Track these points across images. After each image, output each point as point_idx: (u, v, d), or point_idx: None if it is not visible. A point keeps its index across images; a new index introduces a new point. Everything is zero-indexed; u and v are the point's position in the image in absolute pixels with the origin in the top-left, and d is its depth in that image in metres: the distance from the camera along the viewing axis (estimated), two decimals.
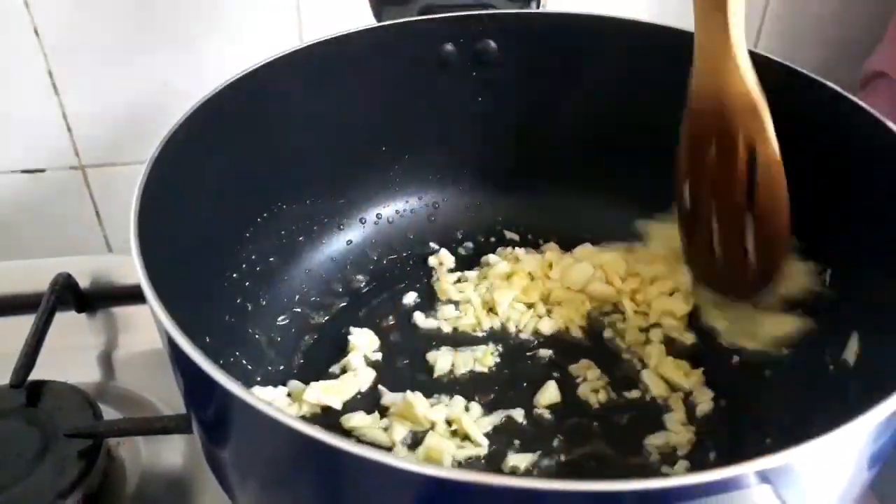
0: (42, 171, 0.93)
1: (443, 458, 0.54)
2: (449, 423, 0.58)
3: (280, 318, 0.64)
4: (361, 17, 0.70)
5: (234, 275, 0.61)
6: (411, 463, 0.33)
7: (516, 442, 0.57)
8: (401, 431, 0.57)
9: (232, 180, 0.59)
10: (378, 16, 0.68)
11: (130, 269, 0.43)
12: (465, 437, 0.57)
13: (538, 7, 0.70)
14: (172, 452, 0.61)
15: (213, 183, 0.57)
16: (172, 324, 0.39)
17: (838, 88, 0.57)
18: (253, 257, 0.62)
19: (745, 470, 0.33)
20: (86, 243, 0.98)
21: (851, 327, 0.55)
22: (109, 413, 0.62)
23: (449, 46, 0.66)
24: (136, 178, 0.91)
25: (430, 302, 0.68)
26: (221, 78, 0.85)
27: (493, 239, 0.73)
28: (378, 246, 0.71)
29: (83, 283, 0.72)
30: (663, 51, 0.64)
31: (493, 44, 0.67)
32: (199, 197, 0.56)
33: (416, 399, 0.57)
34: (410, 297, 0.68)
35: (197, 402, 0.44)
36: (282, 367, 0.62)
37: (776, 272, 0.60)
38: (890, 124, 0.52)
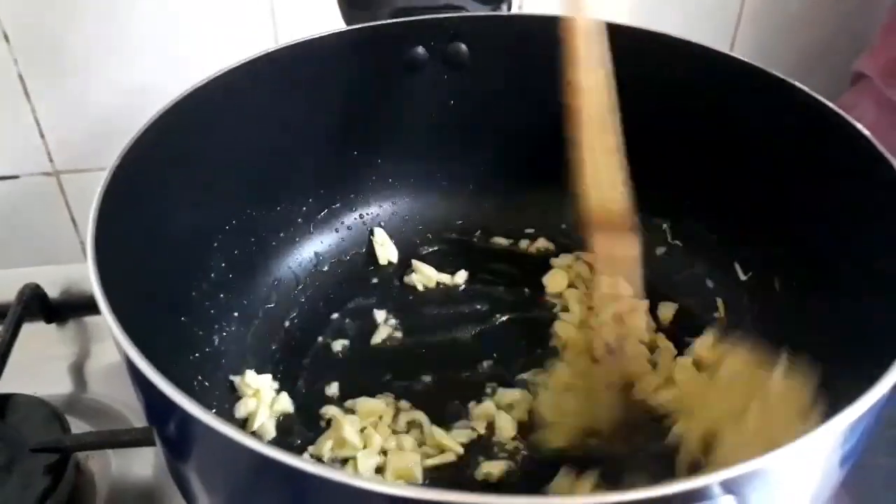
0: (16, 177, 0.92)
1: (413, 473, 0.54)
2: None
3: (251, 324, 0.64)
4: (336, 21, 0.69)
5: (203, 284, 0.60)
6: (375, 483, 0.33)
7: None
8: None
9: (198, 187, 0.59)
10: (348, 20, 0.67)
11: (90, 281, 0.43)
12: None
13: (509, 9, 0.69)
14: (143, 464, 0.60)
15: (178, 190, 0.56)
16: (127, 339, 0.39)
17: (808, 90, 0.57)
18: (223, 265, 0.62)
19: (710, 481, 0.33)
20: (61, 251, 0.97)
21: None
22: (80, 426, 0.61)
23: (420, 50, 0.66)
24: None
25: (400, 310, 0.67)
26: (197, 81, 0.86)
27: (469, 239, 0.73)
28: (349, 252, 0.71)
29: (53, 292, 0.71)
30: (637, 53, 0.63)
31: (464, 47, 0.66)
32: (165, 204, 0.55)
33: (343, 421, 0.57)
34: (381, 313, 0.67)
35: (157, 419, 0.43)
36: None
37: None
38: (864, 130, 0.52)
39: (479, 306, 0.67)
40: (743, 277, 0.65)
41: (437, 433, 0.56)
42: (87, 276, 0.72)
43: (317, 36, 0.62)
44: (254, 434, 0.57)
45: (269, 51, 0.60)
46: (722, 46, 0.62)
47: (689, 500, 0.33)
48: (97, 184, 0.91)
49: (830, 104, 0.55)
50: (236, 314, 0.62)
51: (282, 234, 0.67)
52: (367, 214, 0.72)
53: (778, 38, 0.96)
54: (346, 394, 0.60)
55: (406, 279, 0.69)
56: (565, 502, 0.33)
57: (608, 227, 0.55)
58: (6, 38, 0.82)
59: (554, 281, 0.68)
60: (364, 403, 0.59)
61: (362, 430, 0.56)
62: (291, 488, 0.37)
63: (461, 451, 0.56)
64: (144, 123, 0.53)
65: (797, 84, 0.58)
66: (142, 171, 0.51)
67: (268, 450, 0.34)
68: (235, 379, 0.59)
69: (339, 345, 0.64)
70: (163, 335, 0.54)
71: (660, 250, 0.70)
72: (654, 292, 0.65)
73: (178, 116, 0.55)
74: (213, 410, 0.57)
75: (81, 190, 0.94)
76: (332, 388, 0.61)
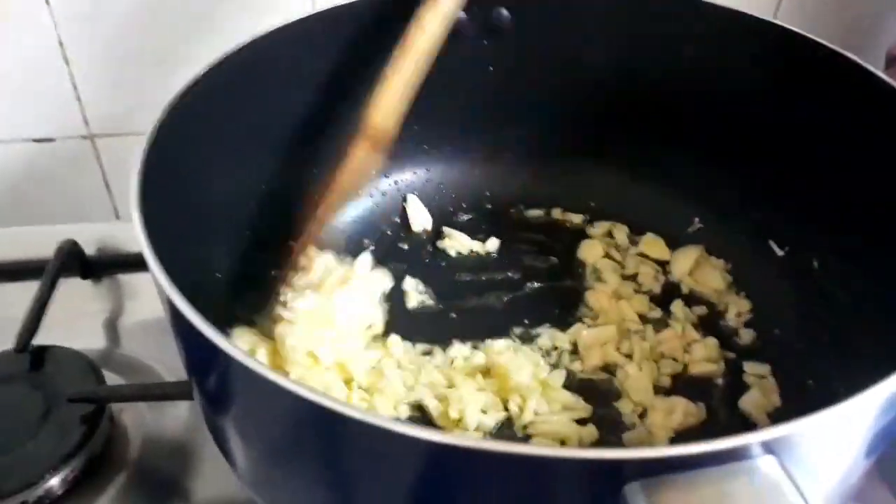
0: (52, 140, 0.92)
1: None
2: None
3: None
4: None
5: (241, 245, 0.60)
6: (415, 429, 0.33)
7: None
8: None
9: (234, 150, 0.59)
10: None
11: (135, 236, 0.43)
12: None
13: None
14: (175, 419, 0.61)
15: (215, 152, 0.57)
16: (174, 289, 0.39)
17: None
18: (257, 228, 0.62)
19: (750, 440, 0.33)
20: (95, 212, 0.98)
21: None
22: (113, 379, 0.62)
23: (461, 15, 0.65)
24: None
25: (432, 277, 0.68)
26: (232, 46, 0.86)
27: (503, 208, 0.73)
28: (383, 218, 0.71)
29: (89, 250, 0.72)
30: (688, 24, 0.63)
31: (505, 12, 0.66)
32: (202, 165, 0.55)
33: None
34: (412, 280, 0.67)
35: (198, 369, 0.44)
36: None
37: None
38: None
39: (510, 274, 0.67)
40: (780, 253, 0.65)
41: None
42: (121, 235, 0.74)
43: (352, 1, 0.62)
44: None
45: (304, 16, 0.60)
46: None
47: (730, 458, 0.33)
48: (131, 148, 0.92)
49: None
50: (271, 275, 0.63)
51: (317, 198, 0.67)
52: (401, 181, 0.72)
53: (823, 13, 0.94)
54: None
55: (439, 245, 0.69)
56: (608, 455, 0.33)
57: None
58: (48, 2, 0.83)
59: (589, 250, 0.68)
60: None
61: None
62: (333, 433, 0.37)
63: None
64: (183, 85, 0.53)
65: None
66: (181, 133, 0.52)
67: (311, 394, 0.34)
68: None
69: None
70: (198, 292, 0.54)
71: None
72: None
73: (215, 80, 0.55)
74: None
75: (115, 154, 0.94)
76: None
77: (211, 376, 0.42)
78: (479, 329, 0.62)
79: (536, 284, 0.66)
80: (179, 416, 0.61)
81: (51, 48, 0.85)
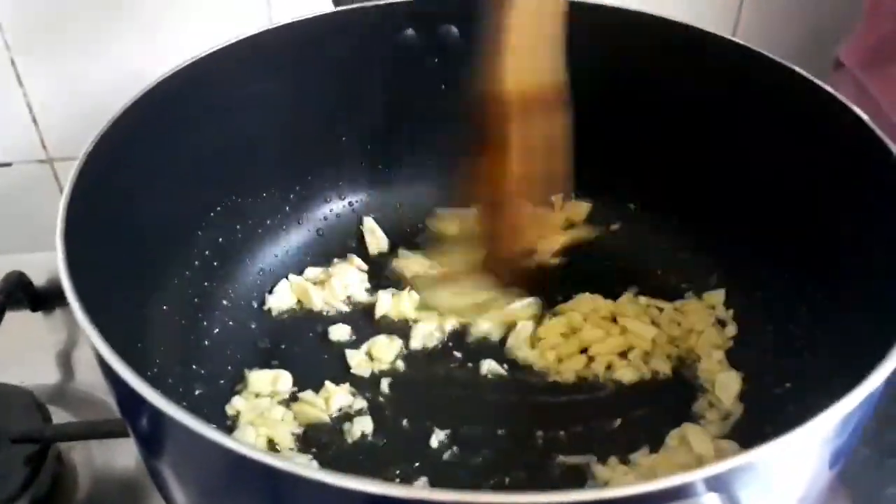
0: (9, 164, 0.91)
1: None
2: None
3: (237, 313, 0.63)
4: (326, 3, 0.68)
5: (187, 272, 0.59)
6: (347, 480, 0.32)
7: None
8: None
9: (181, 173, 0.58)
10: (336, 1, 0.65)
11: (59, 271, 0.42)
12: None
13: None
14: (125, 456, 0.59)
15: (159, 176, 0.56)
16: (94, 330, 0.38)
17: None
18: (206, 253, 0.61)
19: (693, 477, 0.32)
20: (52, 237, 0.97)
21: None
22: (64, 416, 0.61)
23: (409, 32, 0.64)
24: None
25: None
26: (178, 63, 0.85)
27: None
28: (337, 239, 0.70)
29: (39, 280, 0.71)
30: (630, 35, 0.63)
31: (454, 29, 0.65)
32: (144, 191, 0.54)
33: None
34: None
35: (128, 413, 0.43)
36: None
37: None
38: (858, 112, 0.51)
39: None
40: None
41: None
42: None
43: (303, 18, 0.61)
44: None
45: (255, 33, 0.59)
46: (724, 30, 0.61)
47: (671, 498, 0.32)
48: None
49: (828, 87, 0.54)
50: (224, 302, 0.62)
51: (268, 222, 0.66)
52: (357, 202, 0.71)
53: (781, 21, 0.94)
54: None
55: (395, 267, 0.68)
56: (545, 499, 0.31)
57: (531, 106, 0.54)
58: None
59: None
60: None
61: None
62: (264, 485, 0.36)
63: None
64: (120, 107, 0.52)
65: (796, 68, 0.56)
66: (118, 157, 0.51)
67: (238, 446, 0.33)
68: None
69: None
70: (141, 325, 0.53)
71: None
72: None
73: (158, 99, 0.54)
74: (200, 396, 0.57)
75: None
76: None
77: (140, 421, 0.40)
78: None
79: None
80: (129, 453, 0.59)
81: (3, 67, 0.84)
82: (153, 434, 0.40)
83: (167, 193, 0.56)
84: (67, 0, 0.81)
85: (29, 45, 0.83)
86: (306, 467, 0.32)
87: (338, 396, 0.57)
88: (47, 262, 0.72)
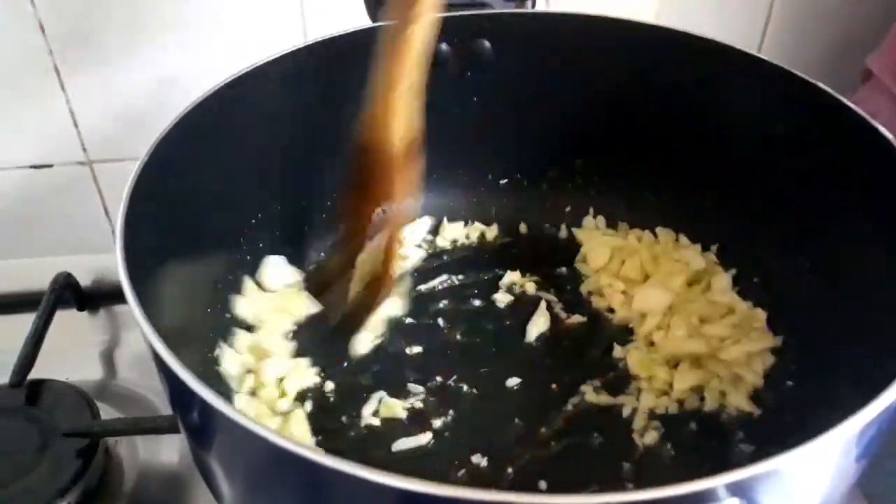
0: (49, 166, 0.94)
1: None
2: None
3: None
4: (362, 18, 0.70)
5: (229, 277, 0.61)
6: (387, 477, 0.33)
7: None
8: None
9: (225, 181, 0.60)
10: (373, 16, 0.67)
11: (119, 275, 0.44)
12: None
13: (533, 7, 0.69)
14: (170, 450, 0.62)
15: (205, 185, 0.58)
16: (154, 333, 0.40)
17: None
18: (248, 258, 0.63)
19: (714, 483, 0.33)
20: (93, 237, 0.99)
21: None
22: (109, 412, 0.63)
23: (443, 46, 0.66)
24: None
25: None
26: (228, 73, 0.87)
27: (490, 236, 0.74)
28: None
29: (85, 281, 0.73)
30: (657, 50, 0.64)
31: (487, 44, 0.67)
32: (193, 199, 0.57)
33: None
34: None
35: (181, 408, 0.45)
36: None
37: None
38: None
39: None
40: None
41: None
42: (117, 266, 0.75)
43: (341, 33, 0.63)
44: None
45: (294, 48, 0.62)
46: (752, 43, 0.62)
47: (693, 503, 0.34)
48: (128, 173, 0.94)
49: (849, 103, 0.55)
50: None
51: (306, 228, 0.69)
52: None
53: (809, 32, 0.95)
54: None
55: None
56: (570, 501, 0.33)
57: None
58: (42, 28, 0.84)
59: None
60: None
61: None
62: (308, 479, 0.38)
63: None
64: (172, 119, 0.55)
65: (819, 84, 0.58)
66: (170, 167, 0.53)
67: (285, 442, 0.35)
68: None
69: None
70: (189, 325, 0.56)
71: None
72: None
73: (204, 112, 0.57)
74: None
75: (113, 179, 0.96)
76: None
77: (191, 415, 0.43)
78: None
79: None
80: (173, 447, 0.62)
81: (46, 75, 0.87)
82: (203, 427, 0.42)
83: (210, 202, 0.59)
84: (108, 10, 0.84)
85: (71, 52, 0.86)
86: (349, 463, 0.34)
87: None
88: (90, 263, 0.76)
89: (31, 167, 0.94)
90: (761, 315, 0.64)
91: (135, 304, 0.42)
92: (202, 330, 0.59)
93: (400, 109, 0.55)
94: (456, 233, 0.74)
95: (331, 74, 0.64)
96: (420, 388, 0.61)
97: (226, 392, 0.59)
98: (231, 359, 0.60)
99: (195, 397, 0.38)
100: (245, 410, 0.58)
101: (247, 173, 0.62)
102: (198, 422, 0.42)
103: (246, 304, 0.64)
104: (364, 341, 0.64)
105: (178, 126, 0.55)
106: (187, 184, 0.56)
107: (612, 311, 0.67)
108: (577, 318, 0.66)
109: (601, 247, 0.70)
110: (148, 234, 0.49)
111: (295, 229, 0.68)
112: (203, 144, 0.57)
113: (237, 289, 0.64)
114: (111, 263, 0.74)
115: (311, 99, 0.64)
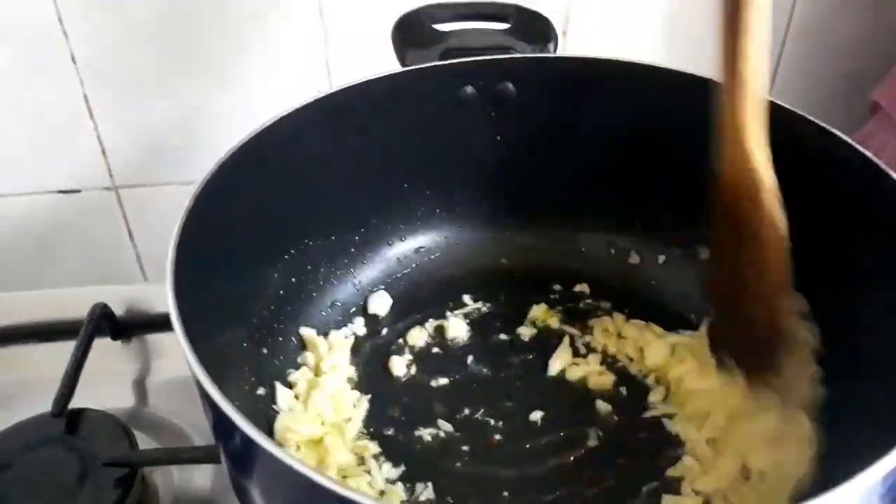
0: (77, 191, 0.97)
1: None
2: None
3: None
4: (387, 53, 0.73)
5: (264, 311, 0.64)
6: None
7: None
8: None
9: (262, 219, 0.62)
10: (402, 59, 0.70)
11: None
12: None
13: (555, 51, 0.72)
14: (202, 478, 0.64)
15: (243, 222, 0.60)
16: (200, 366, 0.43)
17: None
18: (281, 292, 0.66)
19: None
20: (118, 261, 1.02)
21: None
22: (142, 438, 0.65)
23: (469, 89, 0.69)
24: (167, 199, 0.96)
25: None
26: (251, 103, 0.89)
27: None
28: (400, 280, 0.74)
29: (118, 311, 0.75)
30: (678, 94, 0.66)
31: (511, 86, 0.69)
32: (231, 236, 0.59)
33: None
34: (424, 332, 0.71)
35: (223, 437, 0.47)
36: None
37: (774, 354, 0.59)
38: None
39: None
40: None
41: None
42: (147, 296, 0.77)
43: (371, 78, 0.66)
44: None
45: (329, 92, 0.64)
46: None
47: None
48: (153, 198, 0.97)
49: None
50: (293, 340, 0.67)
51: (332, 267, 0.71)
52: (413, 245, 0.75)
53: (820, 72, 0.97)
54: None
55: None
56: None
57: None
58: (73, 59, 0.87)
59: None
60: None
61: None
62: None
63: None
64: (218, 161, 0.57)
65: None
66: (212, 208, 0.55)
67: (321, 479, 0.37)
68: None
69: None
70: (229, 356, 0.58)
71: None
72: None
73: (242, 156, 0.59)
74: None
75: (138, 204, 0.99)
76: None
77: (235, 447, 0.45)
78: None
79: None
80: (206, 475, 0.64)
81: (76, 103, 0.90)
82: (243, 456, 0.44)
83: (246, 238, 0.61)
84: (137, 40, 0.87)
85: (100, 80, 0.89)
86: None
87: None
88: (123, 294, 0.78)
89: (59, 192, 0.96)
90: None
91: (182, 336, 0.44)
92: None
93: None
94: None
95: (358, 119, 0.67)
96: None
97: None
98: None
99: (238, 431, 0.41)
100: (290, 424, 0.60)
101: (280, 211, 0.64)
102: (239, 452, 0.44)
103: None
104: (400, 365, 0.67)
105: (225, 164, 0.57)
106: (227, 222, 0.58)
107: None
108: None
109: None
110: (192, 266, 0.50)
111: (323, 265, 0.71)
112: (242, 184, 0.59)
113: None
114: (142, 294, 0.78)
115: (347, 141, 0.67)
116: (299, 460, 0.38)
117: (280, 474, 0.41)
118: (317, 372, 0.65)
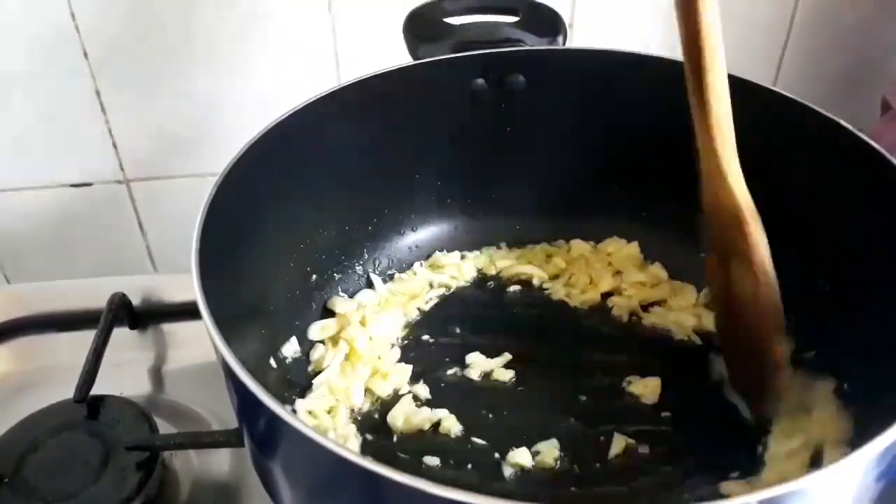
0: (89, 184, 0.98)
1: None
2: None
3: None
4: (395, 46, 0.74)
5: (282, 300, 0.66)
6: (451, 491, 0.36)
7: None
8: None
9: (278, 209, 0.64)
10: (414, 53, 0.71)
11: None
12: None
13: (564, 43, 0.73)
14: (221, 463, 0.65)
15: (257, 217, 0.62)
16: (228, 350, 0.43)
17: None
18: (297, 280, 0.67)
19: (748, 500, 0.36)
20: (128, 252, 1.03)
21: None
22: (161, 424, 0.66)
23: (479, 81, 0.70)
24: (177, 191, 0.96)
25: None
26: (260, 97, 0.90)
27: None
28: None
29: (135, 301, 0.77)
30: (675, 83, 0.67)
31: (521, 78, 0.70)
32: (250, 230, 0.60)
33: None
34: None
35: (248, 420, 0.48)
36: None
37: (766, 387, 0.60)
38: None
39: None
40: None
41: None
42: (162, 286, 0.79)
43: (382, 71, 0.67)
44: None
45: (343, 85, 0.65)
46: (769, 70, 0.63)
47: None
48: (163, 191, 0.98)
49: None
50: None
51: (344, 256, 0.72)
52: (424, 234, 0.77)
53: (826, 62, 0.98)
54: None
55: None
56: None
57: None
58: (86, 55, 0.88)
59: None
60: None
61: None
62: (369, 490, 0.41)
63: None
64: (232, 158, 0.58)
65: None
66: (234, 195, 0.56)
67: (347, 453, 0.38)
68: None
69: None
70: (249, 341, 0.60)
71: None
72: None
73: (257, 152, 0.60)
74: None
75: (149, 197, 1.00)
76: None
77: (259, 427, 0.46)
78: None
79: None
80: (224, 460, 0.65)
81: (88, 98, 0.91)
82: (268, 436, 0.45)
83: (264, 232, 0.62)
84: (147, 36, 0.88)
85: (112, 75, 0.90)
86: (411, 476, 0.36)
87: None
88: (138, 284, 0.79)
89: (71, 185, 0.97)
90: None
91: (209, 319, 0.45)
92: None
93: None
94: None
95: (369, 111, 0.68)
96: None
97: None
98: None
99: (263, 408, 0.41)
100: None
101: (294, 206, 0.66)
102: (264, 431, 0.45)
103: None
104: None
105: (243, 158, 0.58)
106: (243, 216, 0.59)
107: None
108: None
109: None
110: (215, 253, 0.51)
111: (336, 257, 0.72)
112: (256, 179, 0.60)
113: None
114: (157, 284, 0.80)
115: (360, 133, 0.68)
116: (329, 438, 0.39)
117: (307, 452, 0.42)
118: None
